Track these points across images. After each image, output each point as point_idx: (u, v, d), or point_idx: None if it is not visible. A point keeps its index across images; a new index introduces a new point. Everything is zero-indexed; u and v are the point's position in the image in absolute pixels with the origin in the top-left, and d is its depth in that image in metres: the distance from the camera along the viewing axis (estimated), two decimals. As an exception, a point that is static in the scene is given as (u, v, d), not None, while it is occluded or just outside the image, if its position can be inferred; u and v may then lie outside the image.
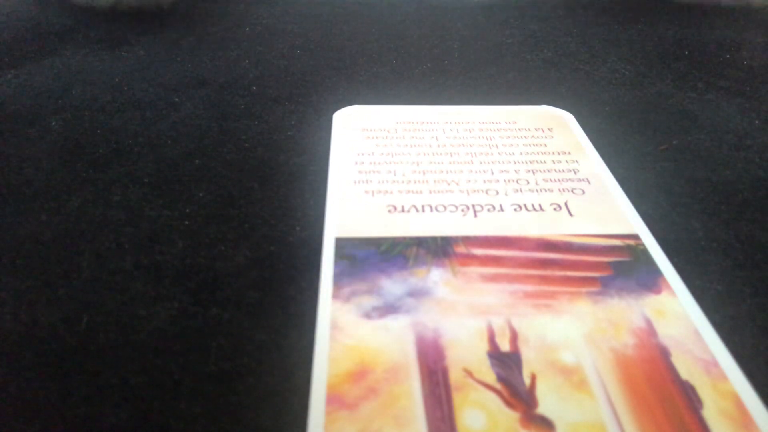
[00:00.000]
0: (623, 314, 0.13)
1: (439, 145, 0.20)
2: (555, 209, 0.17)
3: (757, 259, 0.16)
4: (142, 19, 0.32)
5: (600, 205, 0.17)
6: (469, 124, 0.21)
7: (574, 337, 0.13)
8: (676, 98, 0.25)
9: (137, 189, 0.18)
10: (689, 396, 0.12)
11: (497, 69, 0.27)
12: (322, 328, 0.13)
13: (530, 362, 0.12)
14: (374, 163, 0.19)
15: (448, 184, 0.18)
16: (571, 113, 0.22)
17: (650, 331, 0.13)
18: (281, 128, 0.22)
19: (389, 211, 0.16)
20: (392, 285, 0.14)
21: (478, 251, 0.15)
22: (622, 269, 0.15)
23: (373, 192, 0.17)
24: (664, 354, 0.12)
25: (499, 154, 0.19)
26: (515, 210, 0.17)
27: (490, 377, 0.12)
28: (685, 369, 0.12)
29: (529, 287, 0.14)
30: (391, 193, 0.17)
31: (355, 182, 0.18)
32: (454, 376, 0.12)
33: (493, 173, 0.18)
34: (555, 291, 0.14)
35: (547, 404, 0.11)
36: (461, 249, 0.15)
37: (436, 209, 0.16)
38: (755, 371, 0.12)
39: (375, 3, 0.37)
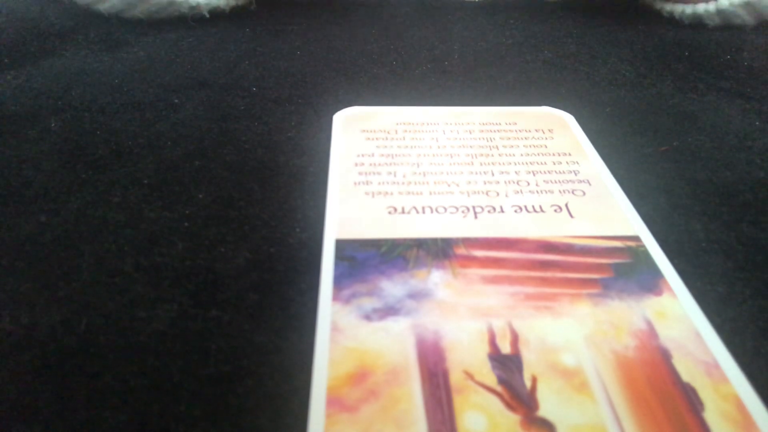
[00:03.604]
0: (624, 316, 0.13)
1: (439, 147, 0.20)
2: (555, 210, 0.17)
3: (758, 260, 0.16)
4: (142, 20, 0.32)
5: (600, 207, 0.17)
6: (469, 125, 0.21)
7: (574, 339, 0.13)
8: (676, 99, 0.25)
9: (137, 190, 0.18)
10: (690, 398, 0.12)
11: (497, 70, 0.27)
12: (322, 330, 0.13)
13: (531, 364, 0.12)
14: (374, 164, 0.19)
15: (449, 185, 0.18)
16: (572, 114, 0.22)
17: (651, 333, 0.13)
18: (281, 129, 0.22)
19: (389, 212, 0.16)
20: (392, 287, 0.14)
21: (479, 253, 0.15)
22: (622, 271, 0.15)
23: (373, 193, 0.17)
24: (665, 356, 0.12)
25: (500, 155, 0.19)
26: (515, 211, 0.16)
27: (491, 379, 0.12)
28: (686, 371, 0.12)
29: (530, 289, 0.14)
30: (392, 194, 0.17)
31: (355, 183, 0.18)
32: (455, 378, 0.12)
33: (493, 174, 0.18)
34: (555, 293, 0.14)
35: (548, 406, 0.11)
36: (461, 251, 0.15)
37: (437, 211, 0.16)
38: (756, 373, 0.12)
39: (375, 3, 0.37)
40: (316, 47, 0.30)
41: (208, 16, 0.32)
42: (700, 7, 0.32)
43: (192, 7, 0.31)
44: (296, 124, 0.22)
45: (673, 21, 0.34)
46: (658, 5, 0.34)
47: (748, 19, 0.32)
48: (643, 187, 0.19)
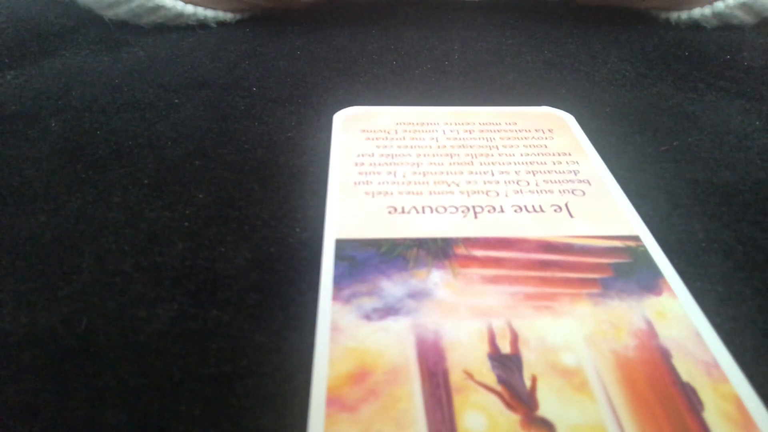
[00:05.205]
0: (624, 316, 0.13)
1: (439, 146, 0.20)
2: (555, 210, 0.17)
3: (758, 260, 0.16)
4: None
5: (600, 207, 0.17)
6: (469, 125, 0.21)
7: (574, 338, 0.13)
8: (676, 99, 0.25)
9: (137, 190, 0.18)
10: (690, 398, 0.12)
11: (497, 70, 0.27)
12: (322, 330, 0.13)
13: (531, 364, 0.12)
14: (374, 164, 0.19)
15: (449, 185, 0.18)
16: (572, 114, 0.22)
17: (651, 332, 0.13)
18: (281, 129, 0.22)
19: (389, 212, 0.16)
20: (392, 286, 0.14)
21: (479, 253, 0.15)
22: (622, 271, 0.15)
23: (373, 193, 0.17)
24: (664, 356, 0.12)
25: (500, 155, 0.19)
26: (515, 211, 0.16)
27: (491, 379, 0.12)
28: (686, 371, 0.12)
29: (530, 289, 0.14)
30: (392, 194, 0.17)
31: (355, 183, 0.18)
32: (455, 378, 0.12)
33: (493, 174, 0.18)
34: (555, 293, 0.14)
35: (547, 406, 0.11)
36: (461, 250, 0.15)
37: (437, 210, 0.16)
38: (756, 373, 0.12)
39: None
40: (316, 47, 0.30)
41: (215, 26, 0.32)
42: (696, 12, 0.32)
43: (200, 20, 0.31)
44: (296, 124, 0.22)
45: (670, 26, 0.34)
46: (653, 13, 0.34)
47: (747, 18, 0.32)
48: (643, 186, 0.19)
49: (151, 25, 0.32)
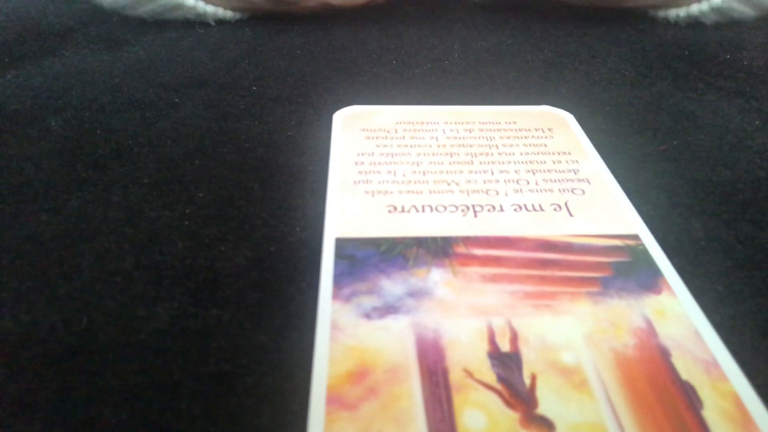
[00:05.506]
0: (623, 314, 0.13)
1: (439, 146, 0.20)
2: (555, 209, 0.17)
3: (758, 259, 0.16)
4: (143, 20, 0.32)
5: (600, 206, 0.17)
6: (469, 124, 0.21)
7: (574, 337, 0.13)
8: (676, 98, 0.25)
9: (137, 189, 0.18)
10: (689, 396, 0.12)
11: (497, 69, 0.27)
12: (322, 329, 0.13)
13: (530, 362, 0.12)
14: (374, 163, 0.19)
15: (448, 184, 0.18)
16: (572, 113, 0.22)
17: (650, 331, 0.13)
18: (281, 128, 0.22)
19: (389, 211, 0.16)
20: (392, 285, 0.14)
21: (478, 251, 0.15)
22: (622, 269, 0.15)
23: (373, 192, 0.17)
24: (664, 354, 0.12)
25: (499, 154, 0.19)
26: (515, 210, 0.16)
27: (491, 377, 0.12)
28: (686, 369, 0.12)
29: (530, 287, 0.14)
30: (391, 193, 0.17)
31: (355, 182, 0.18)
32: (455, 376, 0.12)
33: (493, 173, 0.18)
34: (555, 291, 0.14)
35: (547, 404, 0.11)
36: (461, 249, 0.15)
37: (436, 209, 0.16)
38: (755, 371, 0.12)
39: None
40: (316, 47, 0.30)
41: (213, 24, 0.32)
42: (694, 8, 0.32)
43: (199, 15, 0.31)
44: (296, 123, 0.22)
45: (669, 24, 0.34)
46: (651, 13, 0.34)
47: (747, 11, 0.32)
48: (643, 185, 0.19)
49: (149, 14, 0.31)
